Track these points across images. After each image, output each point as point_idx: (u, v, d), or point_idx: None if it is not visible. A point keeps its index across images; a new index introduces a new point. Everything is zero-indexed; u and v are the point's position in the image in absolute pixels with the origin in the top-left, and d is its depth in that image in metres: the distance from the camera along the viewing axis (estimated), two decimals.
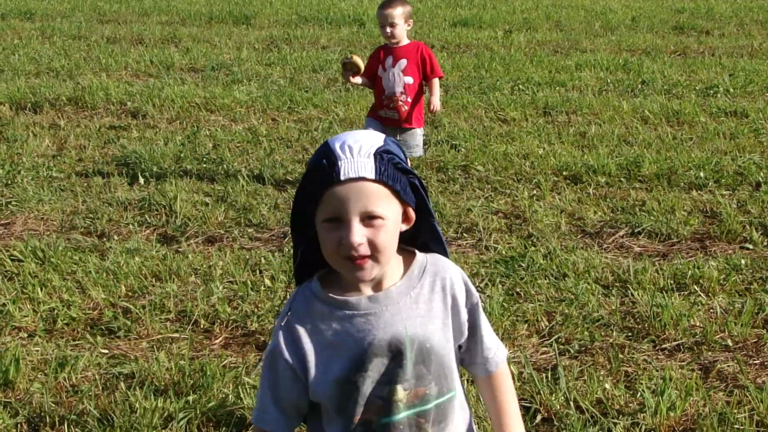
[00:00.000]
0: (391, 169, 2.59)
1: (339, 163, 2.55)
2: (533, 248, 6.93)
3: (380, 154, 2.58)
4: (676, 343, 5.53)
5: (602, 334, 5.64)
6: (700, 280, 6.33)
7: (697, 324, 5.74)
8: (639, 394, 4.92)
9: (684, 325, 5.67)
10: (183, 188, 8.34)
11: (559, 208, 7.82)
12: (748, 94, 12.20)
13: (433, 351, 2.67)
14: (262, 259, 6.80)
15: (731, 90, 12.31)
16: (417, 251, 2.77)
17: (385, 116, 8.27)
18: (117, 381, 5.15)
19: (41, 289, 6.28)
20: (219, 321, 5.90)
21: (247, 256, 6.88)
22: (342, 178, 2.53)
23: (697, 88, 12.49)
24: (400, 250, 2.72)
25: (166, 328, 5.84)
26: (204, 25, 19.12)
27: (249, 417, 4.68)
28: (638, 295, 6.10)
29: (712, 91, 12.26)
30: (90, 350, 5.51)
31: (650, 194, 8.11)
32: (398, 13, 8.18)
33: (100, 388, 5.06)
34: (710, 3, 21.37)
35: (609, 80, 13.06)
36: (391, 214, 2.59)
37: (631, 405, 4.86)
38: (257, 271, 6.62)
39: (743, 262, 6.64)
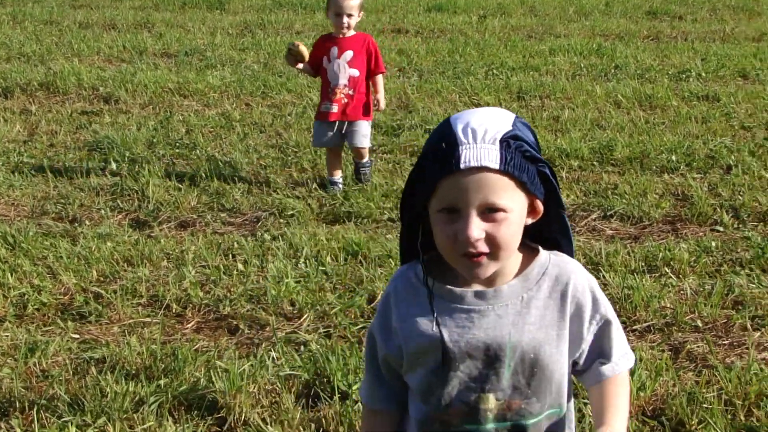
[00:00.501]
0: (518, 158, 2.33)
1: (460, 148, 2.30)
2: None
3: (507, 141, 2.32)
4: (647, 324, 5.56)
5: None
6: (671, 262, 6.36)
7: (668, 305, 5.76)
8: None
9: (654, 306, 5.69)
10: (156, 173, 8.31)
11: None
12: (720, 78, 12.25)
13: (538, 363, 2.40)
14: (235, 243, 6.79)
15: (703, 74, 12.35)
16: (541, 249, 2.50)
17: (330, 110, 8.02)
18: (88, 366, 5.13)
19: (11, 275, 6.25)
20: (191, 305, 5.89)
21: (220, 241, 6.86)
22: (462, 166, 2.28)
23: (670, 72, 12.53)
24: (522, 245, 2.44)
25: (138, 312, 5.82)
26: (177, 10, 19.05)
27: (221, 400, 4.67)
28: (610, 277, 6.12)
29: (684, 76, 12.30)
30: (61, 335, 5.48)
31: (623, 177, 8.14)
32: (356, 3, 8.01)
33: (71, 372, 5.04)
34: None
35: (582, 65, 13.09)
36: (516, 207, 2.34)
37: None
38: (230, 256, 6.61)
39: (714, 244, 6.67)
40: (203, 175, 8.25)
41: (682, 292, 5.97)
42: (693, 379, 4.96)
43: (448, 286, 2.44)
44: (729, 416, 4.57)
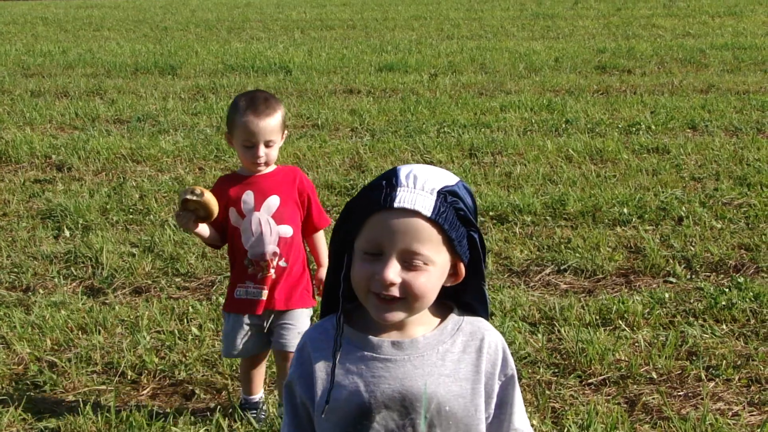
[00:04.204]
0: (451, 214, 2.36)
1: (398, 189, 2.34)
2: None
3: (444, 194, 2.35)
4: (602, 377, 5.59)
5: (529, 371, 5.67)
6: (625, 315, 6.41)
7: (623, 358, 5.80)
8: (566, 429, 4.96)
9: (609, 359, 5.73)
10: (109, 240, 8.28)
11: (486, 249, 7.86)
12: (670, 130, 12.38)
13: (453, 416, 2.41)
14: (190, 308, 6.77)
15: (653, 127, 12.48)
16: (455, 307, 2.53)
17: (250, 297, 4.99)
18: None
19: None
20: (146, 371, 5.86)
21: (175, 306, 6.84)
22: (395, 205, 2.32)
23: (620, 126, 12.66)
24: (437, 302, 2.47)
25: (93, 380, 5.79)
26: (129, 76, 19.08)
27: None
28: (564, 331, 6.15)
29: (634, 129, 12.43)
30: (15, 406, 5.44)
31: (575, 231, 8.20)
32: (276, 124, 4.91)
33: None
34: (631, 42, 21.71)
35: (533, 120, 13.19)
36: (438, 261, 2.36)
37: None
38: (185, 320, 6.59)
39: (667, 295, 6.73)
40: (157, 240, 8.23)
41: (636, 344, 6.01)
42: (649, 431, 4.98)
43: (367, 335, 2.45)
44: None
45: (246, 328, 5.02)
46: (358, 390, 2.40)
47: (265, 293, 4.96)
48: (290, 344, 4.95)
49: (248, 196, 4.94)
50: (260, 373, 5.32)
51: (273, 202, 4.95)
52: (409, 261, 2.33)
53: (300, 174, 5.09)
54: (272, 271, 4.95)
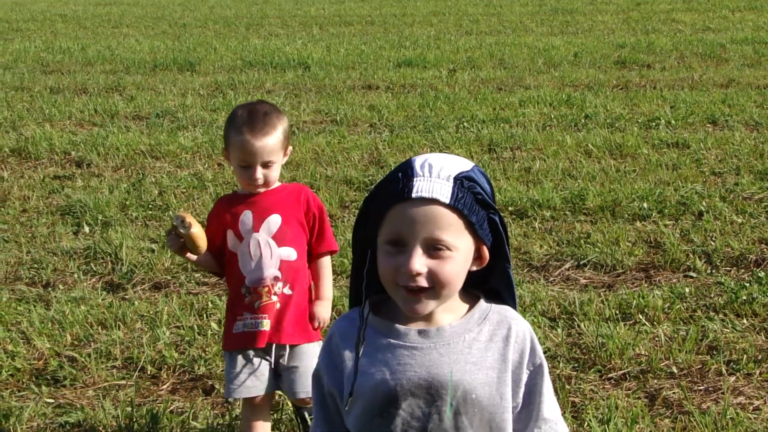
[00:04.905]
0: (469, 198, 2.36)
1: (414, 180, 2.35)
2: None
3: (461, 180, 2.37)
4: (622, 372, 5.57)
5: (549, 366, 5.63)
6: (645, 309, 6.39)
7: (643, 352, 5.78)
8: (586, 423, 4.95)
9: (629, 354, 5.72)
10: (129, 235, 8.30)
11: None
12: (689, 125, 12.33)
13: (479, 404, 2.41)
14: (209, 303, 6.78)
15: (673, 122, 12.43)
16: (482, 297, 2.53)
17: (249, 330, 4.43)
18: (63, 430, 5.11)
19: None
20: (166, 366, 5.88)
21: (194, 301, 6.85)
22: (413, 195, 2.33)
23: (640, 120, 12.60)
24: (464, 291, 2.49)
25: (113, 375, 5.81)
26: (148, 72, 19.09)
27: None
28: (584, 326, 6.14)
29: (654, 124, 12.37)
30: (35, 400, 5.46)
31: (595, 226, 8.17)
32: (277, 142, 4.42)
33: None
34: (651, 37, 21.61)
35: (552, 115, 13.15)
36: (462, 247, 2.37)
37: None
38: (204, 316, 6.60)
39: (687, 290, 6.71)
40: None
41: (656, 339, 5.99)
42: (669, 425, 4.97)
43: (393, 324, 2.46)
44: None
45: (249, 363, 4.44)
46: (384, 378, 2.41)
47: (267, 323, 4.38)
48: (304, 390, 4.43)
49: (246, 216, 4.44)
50: (264, 426, 4.57)
51: (274, 221, 4.43)
52: (432, 249, 2.34)
53: (307, 192, 4.55)
54: (275, 298, 4.39)
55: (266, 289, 4.37)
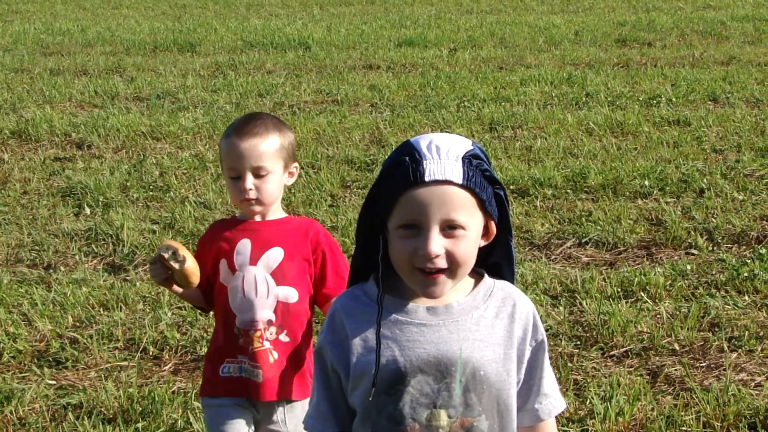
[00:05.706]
0: (478, 177, 2.37)
1: (424, 162, 2.34)
2: None
3: (469, 158, 2.37)
4: (624, 349, 5.58)
5: (551, 344, 5.65)
6: (647, 287, 6.39)
7: (645, 330, 5.79)
8: (588, 401, 4.95)
9: (631, 331, 5.72)
10: (130, 217, 8.28)
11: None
12: (690, 102, 12.32)
13: (487, 380, 2.42)
14: None
15: (674, 99, 12.42)
16: (485, 273, 2.54)
17: (246, 375, 3.72)
18: (65, 412, 5.11)
19: None
20: (168, 347, 5.88)
21: None
22: (427, 179, 2.32)
23: (641, 98, 12.59)
24: None
25: (115, 356, 5.81)
26: (148, 54, 19.06)
27: None
28: (586, 304, 6.14)
29: (655, 102, 12.36)
30: (37, 382, 5.46)
31: (596, 204, 8.17)
32: (271, 147, 3.72)
33: (48, 419, 5.03)
34: (651, 15, 21.58)
35: (553, 94, 13.14)
36: (474, 225, 2.38)
37: (580, 412, 4.89)
38: None
39: (689, 267, 6.71)
40: (177, 217, 8.23)
41: (658, 316, 5.99)
42: (671, 402, 4.98)
43: (402, 300, 2.46)
44: None
45: (236, 416, 3.74)
46: (393, 355, 2.41)
47: (257, 372, 3.70)
48: None
49: (244, 246, 3.73)
50: None
51: (274, 256, 3.72)
52: (448, 230, 2.34)
53: (316, 226, 3.83)
54: (267, 344, 3.70)
55: (257, 333, 3.69)
